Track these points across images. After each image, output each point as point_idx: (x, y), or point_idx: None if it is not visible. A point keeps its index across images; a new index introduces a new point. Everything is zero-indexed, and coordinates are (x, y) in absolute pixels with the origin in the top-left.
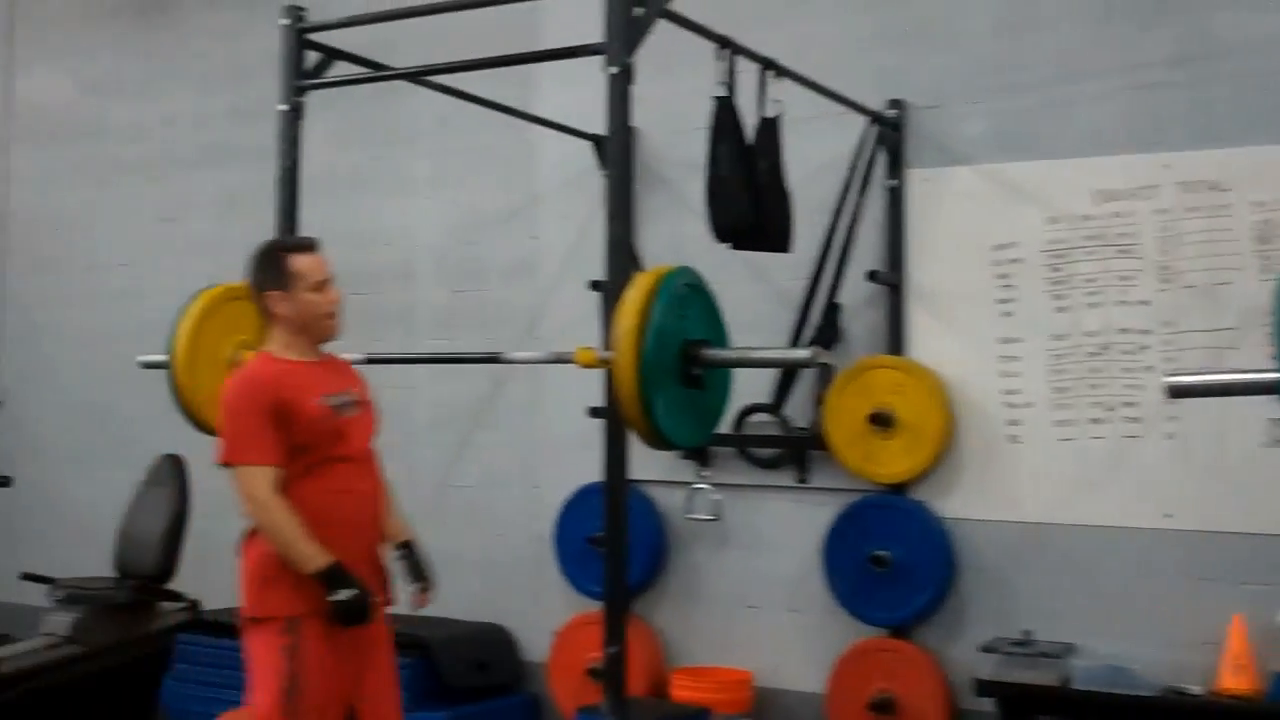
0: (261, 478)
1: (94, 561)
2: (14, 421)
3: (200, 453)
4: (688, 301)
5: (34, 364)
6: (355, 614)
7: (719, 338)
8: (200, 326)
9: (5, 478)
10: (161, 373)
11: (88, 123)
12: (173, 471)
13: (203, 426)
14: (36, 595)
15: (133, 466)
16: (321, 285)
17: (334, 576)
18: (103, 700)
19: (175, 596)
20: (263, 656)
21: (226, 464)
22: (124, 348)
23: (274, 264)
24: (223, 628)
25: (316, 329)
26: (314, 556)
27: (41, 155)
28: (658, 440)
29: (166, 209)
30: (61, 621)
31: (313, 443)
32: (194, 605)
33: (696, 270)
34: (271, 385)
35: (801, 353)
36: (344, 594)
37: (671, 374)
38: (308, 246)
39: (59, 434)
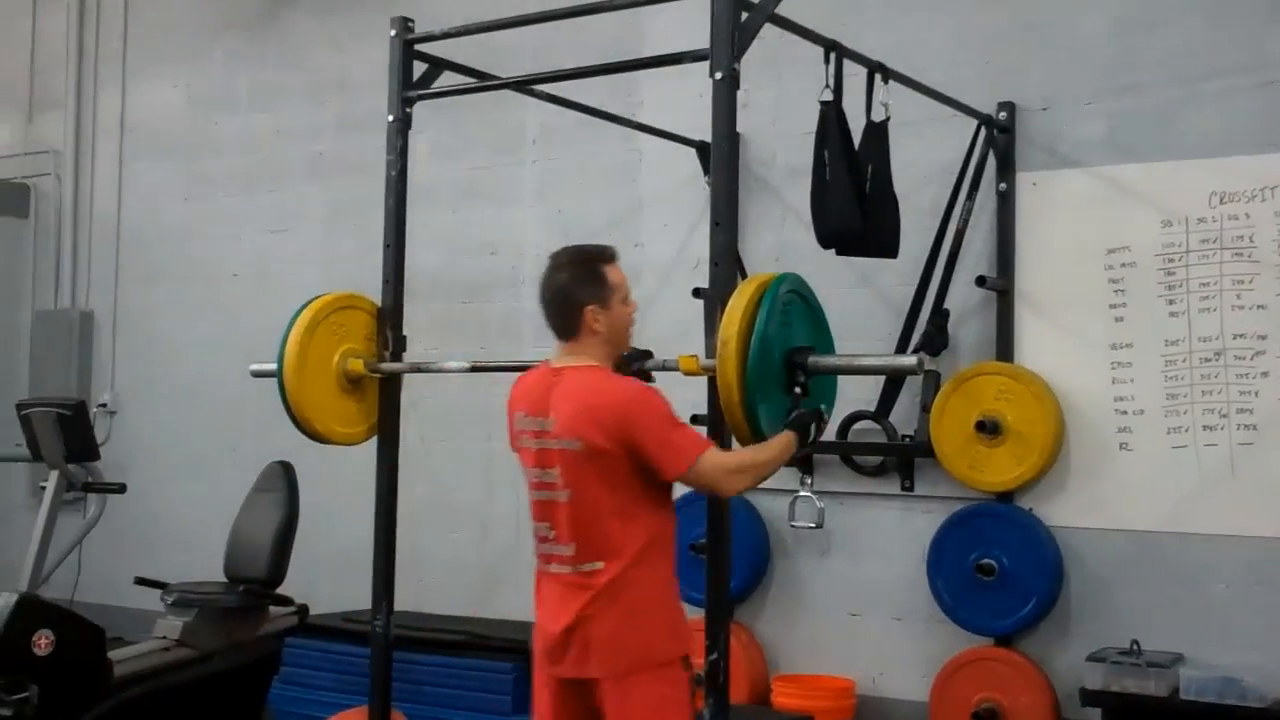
0: (717, 456)
1: (205, 566)
2: (128, 430)
3: (309, 459)
4: (792, 308)
5: (147, 373)
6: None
7: (824, 344)
8: (309, 336)
9: (119, 485)
10: (271, 381)
11: (198, 135)
12: (283, 478)
13: (311, 434)
14: (149, 599)
15: (243, 473)
16: (628, 297)
17: (804, 438)
18: (213, 702)
19: (285, 601)
20: (672, 697)
21: (689, 467)
22: (234, 357)
23: (594, 275)
24: (330, 632)
25: (623, 342)
26: (784, 442)
27: (153, 168)
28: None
29: (276, 220)
30: (173, 625)
31: None
32: (303, 610)
33: (801, 277)
34: None
35: (908, 360)
36: (815, 431)
37: (775, 381)
38: (614, 255)
39: (171, 442)
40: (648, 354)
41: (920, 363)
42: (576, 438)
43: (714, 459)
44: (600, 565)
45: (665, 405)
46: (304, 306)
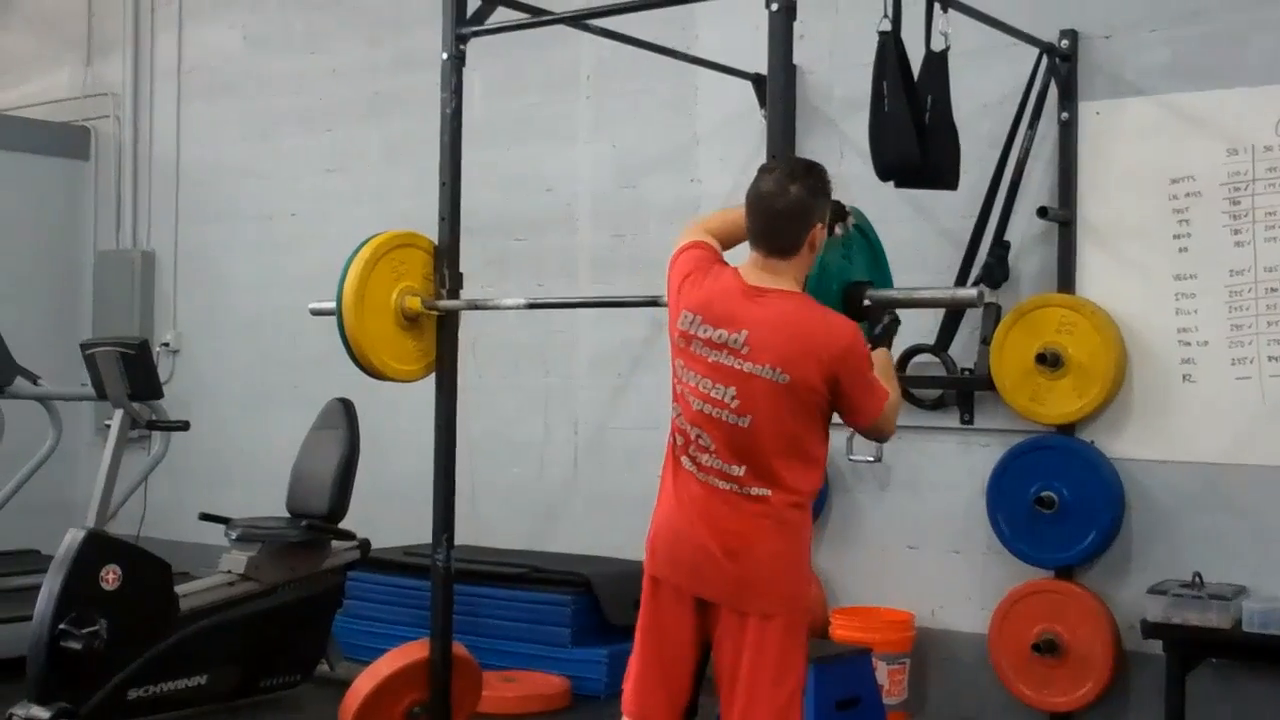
0: (890, 401)
1: (268, 502)
2: (190, 368)
3: (368, 396)
4: (854, 243)
5: (208, 312)
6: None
7: (883, 281)
8: (367, 274)
9: (183, 422)
10: (331, 319)
11: (255, 75)
12: (343, 414)
13: (370, 371)
14: (214, 534)
15: (304, 410)
16: None
17: (889, 342)
18: (277, 635)
19: (346, 535)
20: (796, 657)
21: (880, 414)
22: (294, 295)
23: (827, 191)
24: (392, 565)
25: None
26: (885, 364)
27: (211, 108)
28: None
29: (333, 159)
30: (238, 560)
31: None
32: (364, 544)
33: (862, 212)
34: None
35: (968, 292)
36: (885, 333)
37: None
38: None
39: (233, 380)
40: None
41: (981, 295)
42: (785, 372)
43: (895, 406)
44: (769, 492)
45: (865, 343)
46: (361, 245)
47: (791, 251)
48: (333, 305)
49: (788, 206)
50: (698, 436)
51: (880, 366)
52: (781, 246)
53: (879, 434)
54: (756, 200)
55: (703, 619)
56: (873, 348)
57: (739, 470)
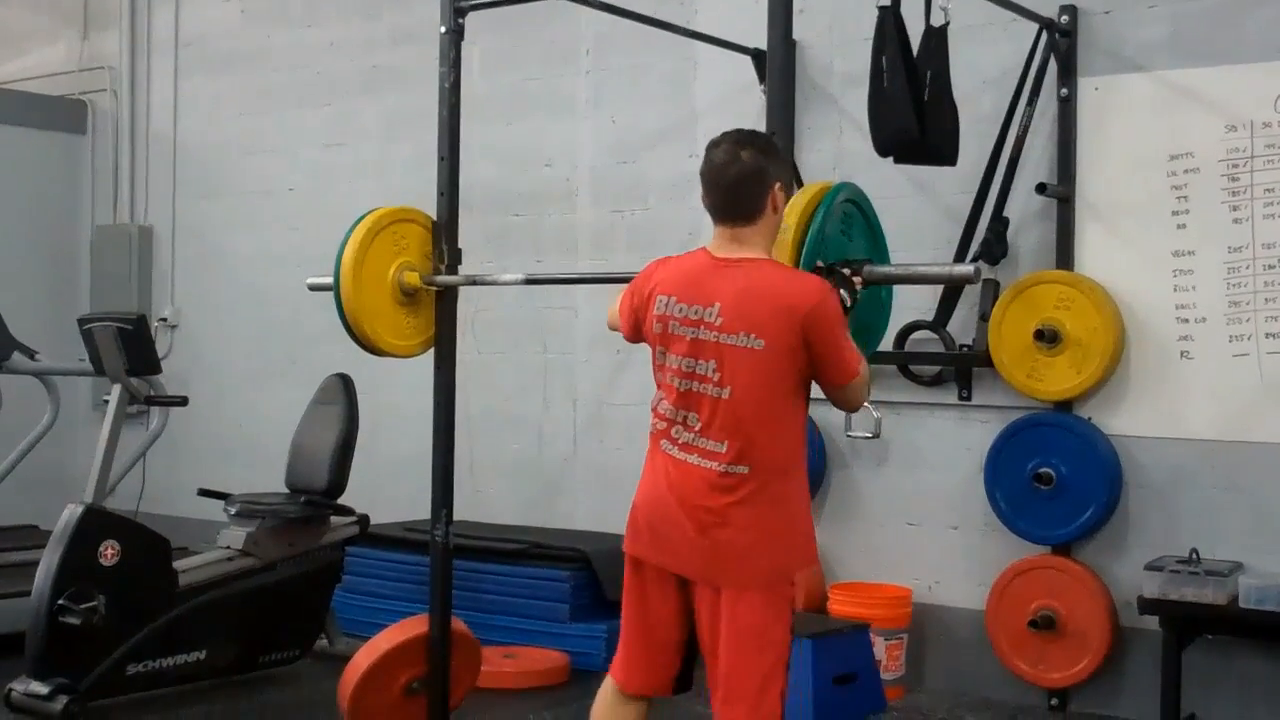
0: (865, 370)
1: (267, 477)
2: (188, 343)
3: (367, 372)
4: (853, 220)
5: (206, 287)
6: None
7: (880, 254)
8: (365, 249)
9: (181, 398)
10: (329, 294)
11: (253, 50)
12: (342, 390)
13: (368, 346)
14: (213, 510)
15: (302, 385)
16: None
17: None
18: (276, 611)
19: (345, 511)
20: (780, 613)
21: (852, 378)
22: (292, 270)
23: (777, 153)
24: (391, 541)
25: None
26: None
27: (209, 83)
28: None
29: (331, 134)
30: (237, 535)
31: None
32: (363, 519)
33: (860, 189)
34: None
35: (965, 269)
36: (849, 299)
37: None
38: None
39: (232, 355)
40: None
41: (978, 272)
42: (759, 336)
43: (865, 373)
44: (746, 470)
45: (840, 306)
46: (359, 220)
47: (755, 216)
48: (330, 280)
49: (741, 171)
50: (684, 418)
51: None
52: (744, 213)
53: (849, 399)
54: (711, 173)
55: (686, 595)
56: None
57: (720, 446)
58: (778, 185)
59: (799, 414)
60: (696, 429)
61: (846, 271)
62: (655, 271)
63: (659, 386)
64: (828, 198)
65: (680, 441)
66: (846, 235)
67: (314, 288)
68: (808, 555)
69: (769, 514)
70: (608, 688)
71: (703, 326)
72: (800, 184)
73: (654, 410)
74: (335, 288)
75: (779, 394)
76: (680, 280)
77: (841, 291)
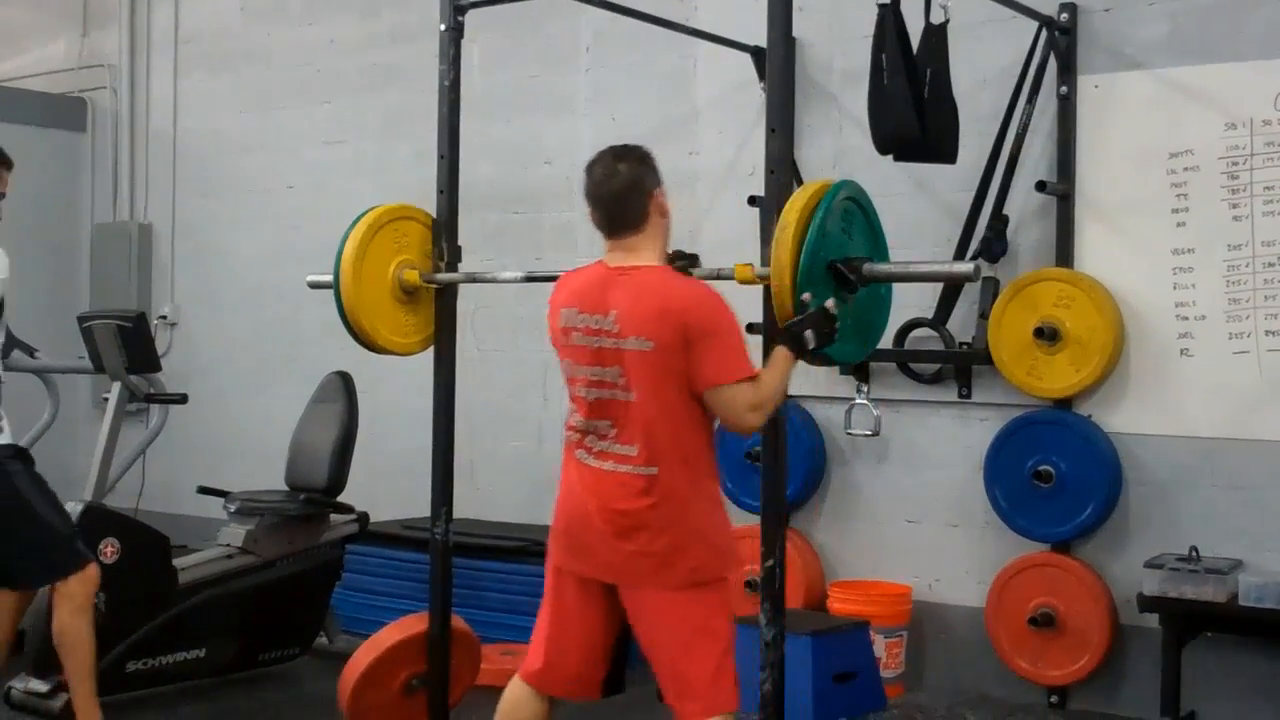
0: (753, 389)
1: (266, 475)
2: (188, 341)
3: (367, 369)
4: (853, 219)
5: (206, 285)
6: (827, 327)
7: (880, 252)
8: (364, 247)
9: (181, 395)
10: (329, 292)
11: (253, 47)
12: (342, 388)
13: (367, 344)
14: (212, 508)
15: (302, 383)
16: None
17: (798, 347)
18: (276, 608)
19: (345, 509)
20: (711, 618)
21: (726, 383)
22: (292, 268)
23: (652, 164)
24: (390, 538)
25: (668, 241)
26: (785, 362)
27: (208, 80)
28: (815, 357)
29: (331, 132)
30: (236, 533)
31: None
32: (363, 517)
33: (861, 187)
34: None
35: (964, 267)
36: (814, 339)
37: (829, 289)
38: None
39: (231, 353)
40: (694, 258)
41: (977, 270)
42: (649, 339)
43: (749, 390)
44: (657, 469)
45: (733, 316)
46: (359, 218)
47: (641, 224)
48: (330, 278)
49: (620, 185)
50: (594, 427)
51: (768, 370)
52: (629, 224)
53: (727, 416)
54: (592, 189)
55: (611, 599)
56: (784, 332)
57: (631, 450)
58: (656, 191)
59: (702, 416)
60: (610, 435)
61: (829, 305)
62: (560, 286)
63: (571, 400)
64: (828, 195)
65: (595, 450)
66: (847, 233)
67: (314, 285)
68: (730, 553)
69: (685, 514)
70: (517, 688)
71: (603, 335)
72: (800, 182)
73: (566, 424)
74: (335, 285)
75: (677, 393)
76: (580, 292)
77: (808, 333)
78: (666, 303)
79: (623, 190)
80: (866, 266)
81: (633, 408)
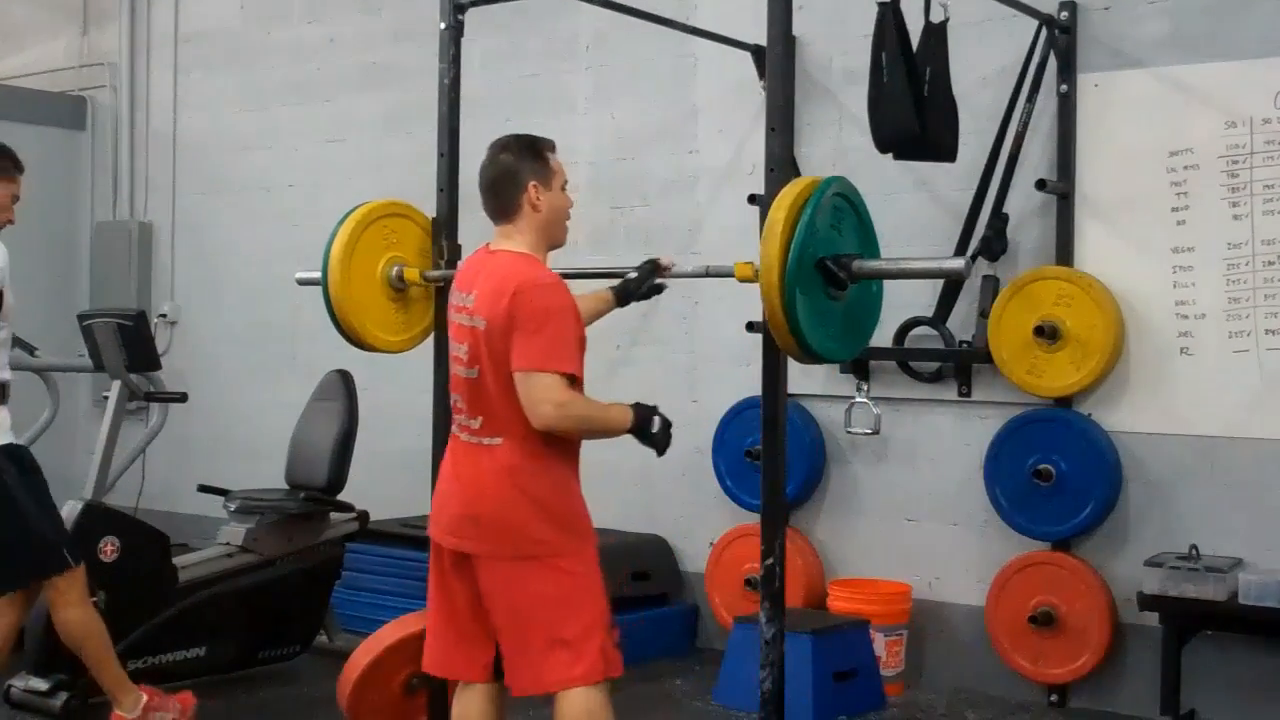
0: (560, 385)
1: (266, 474)
2: (188, 340)
3: (367, 368)
4: (844, 216)
5: (206, 284)
6: (668, 438)
7: (871, 249)
8: (353, 242)
9: (181, 394)
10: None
11: (252, 46)
12: (342, 386)
13: (355, 340)
14: (212, 507)
15: (302, 382)
16: (566, 187)
17: (644, 418)
18: (276, 607)
19: (345, 507)
20: (582, 597)
21: (531, 370)
22: (291, 267)
23: (538, 155)
24: (390, 537)
25: (560, 231)
26: (622, 413)
27: (208, 79)
28: (805, 353)
29: (331, 130)
30: (236, 531)
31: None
32: (363, 516)
33: (851, 183)
34: (569, 293)
35: (955, 263)
36: (658, 425)
37: (818, 286)
38: (555, 146)
39: (231, 351)
40: (653, 264)
41: (969, 266)
42: (484, 317)
43: (555, 384)
44: (500, 440)
45: (563, 307)
46: (347, 214)
47: (512, 212)
48: (318, 275)
49: (495, 175)
50: (456, 400)
51: (611, 405)
52: (503, 210)
53: (529, 404)
54: (479, 178)
55: (465, 578)
56: (640, 410)
57: (477, 423)
58: (532, 184)
59: (546, 381)
60: (464, 409)
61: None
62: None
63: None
64: (817, 192)
65: (458, 424)
66: (836, 229)
67: (302, 282)
68: (575, 530)
69: (527, 485)
70: (458, 692)
71: (465, 312)
72: None
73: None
74: (323, 280)
75: (510, 371)
76: (463, 272)
77: (656, 430)
78: (502, 284)
79: (497, 179)
80: (856, 263)
81: (474, 384)
